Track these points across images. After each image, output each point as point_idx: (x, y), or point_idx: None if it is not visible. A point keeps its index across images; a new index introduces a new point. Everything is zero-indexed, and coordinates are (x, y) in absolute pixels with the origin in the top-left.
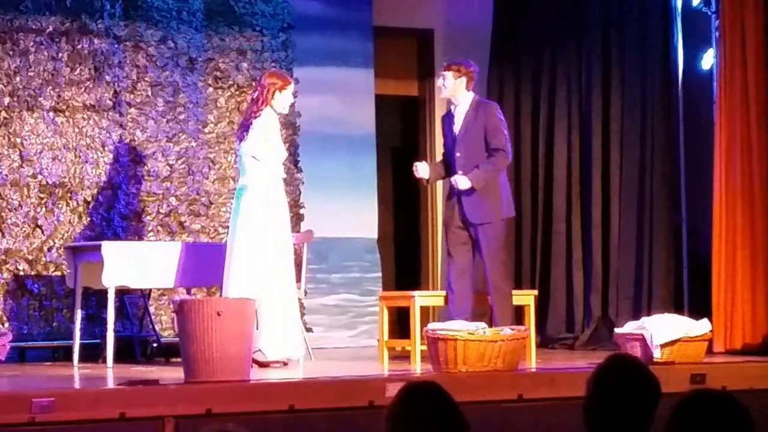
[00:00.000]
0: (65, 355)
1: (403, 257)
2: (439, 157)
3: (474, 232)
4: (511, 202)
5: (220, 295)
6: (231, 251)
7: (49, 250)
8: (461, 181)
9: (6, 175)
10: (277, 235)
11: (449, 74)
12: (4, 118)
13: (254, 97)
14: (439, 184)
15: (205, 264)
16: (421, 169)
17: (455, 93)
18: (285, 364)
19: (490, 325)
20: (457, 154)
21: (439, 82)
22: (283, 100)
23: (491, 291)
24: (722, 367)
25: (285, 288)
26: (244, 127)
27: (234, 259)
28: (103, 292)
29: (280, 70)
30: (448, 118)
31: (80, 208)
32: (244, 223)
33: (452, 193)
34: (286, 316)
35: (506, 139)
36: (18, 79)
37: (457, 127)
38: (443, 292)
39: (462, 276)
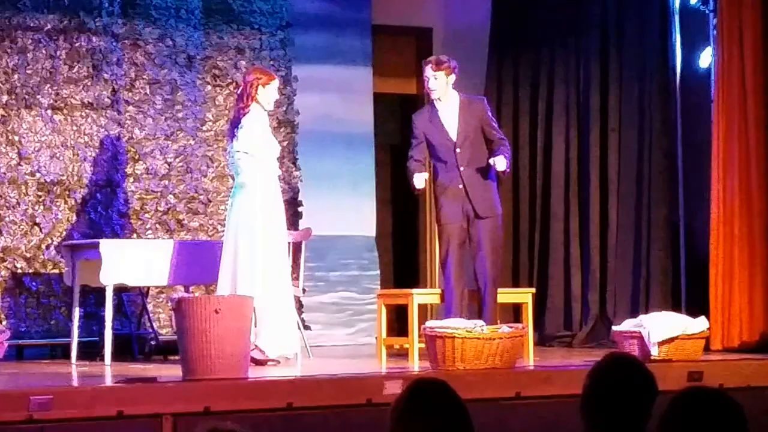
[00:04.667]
0: (63, 352)
1: (401, 255)
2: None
3: (477, 226)
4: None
5: (216, 294)
6: (231, 251)
7: (47, 247)
8: (500, 162)
9: (4, 173)
10: (275, 232)
11: (441, 74)
12: (2, 116)
13: (239, 93)
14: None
15: (203, 262)
16: (420, 182)
17: (446, 92)
18: (278, 362)
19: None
20: (458, 151)
21: (430, 83)
22: (267, 95)
23: (488, 285)
24: (719, 365)
25: (282, 285)
26: (235, 125)
27: (240, 258)
28: (102, 290)
29: (264, 66)
30: (431, 116)
31: (78, 206)
32: (242, 222)
33: (455, 188)
34: (284, 313)
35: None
36: (16, 77)
37: (451, 125)
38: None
39: (463, 273)
